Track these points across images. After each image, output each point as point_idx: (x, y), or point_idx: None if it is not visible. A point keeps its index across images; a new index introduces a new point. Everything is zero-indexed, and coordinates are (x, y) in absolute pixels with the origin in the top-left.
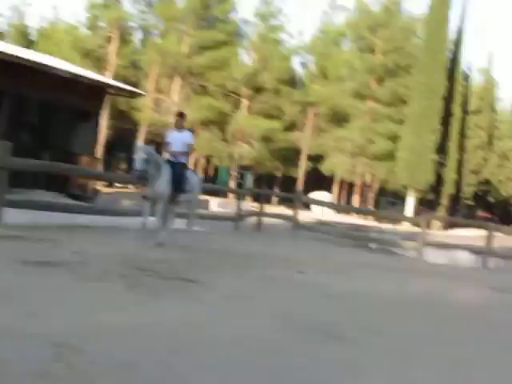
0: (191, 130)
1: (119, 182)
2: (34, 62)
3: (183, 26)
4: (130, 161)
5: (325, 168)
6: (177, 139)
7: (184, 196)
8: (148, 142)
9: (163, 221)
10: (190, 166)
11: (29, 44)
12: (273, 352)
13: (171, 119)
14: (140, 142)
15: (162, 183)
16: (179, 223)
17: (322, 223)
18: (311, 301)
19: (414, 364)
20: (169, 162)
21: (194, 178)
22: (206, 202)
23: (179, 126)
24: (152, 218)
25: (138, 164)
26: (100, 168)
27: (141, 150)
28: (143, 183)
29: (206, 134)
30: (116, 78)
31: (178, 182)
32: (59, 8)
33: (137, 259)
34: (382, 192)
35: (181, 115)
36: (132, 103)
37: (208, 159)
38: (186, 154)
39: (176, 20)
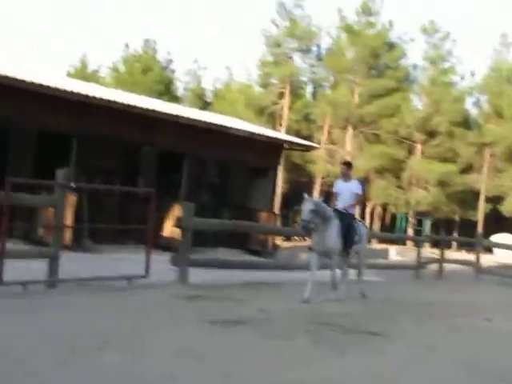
0: (359, 180)
1: (297, 236)
2: (211, 124)
3: (353, 76)
4: None
5: (505, 209)
6: (344, 189)
7: (354, 247)
8: (323, 193)
9: (340, 274)
10: (362, 215)
11: (205, 105)
12: None
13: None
14: (306, 194)
15: (332, 236)
16: (352, 274)
17: (506, 267)
18: (498, 349)
19: None
20: (337, 212)
21: (362, 229)
22: (385, 250)
23: (346, 176)
24: (318, 271)
25: (305, 215)
26: (278, 223)
27: (308, 201)
28: (309, 234)
29: (380, 181)
30: (289, 132)
31: (347, 233)
32: (232, 68)
33: (318, 314)
34: None
35: (347, 164)
36: (306, 156)
37: (384, 207)
38: (354, 204)
39: (346, 71)
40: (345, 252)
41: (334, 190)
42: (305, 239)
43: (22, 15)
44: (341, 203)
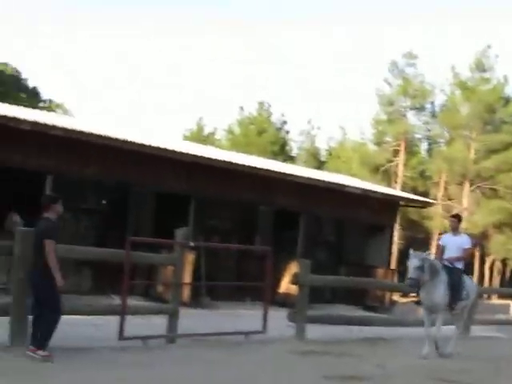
0: (468, 234)
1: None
2: (327, 182)
3: (468, 131)
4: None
5: None
6: (452, 243)
7: (461, 303)
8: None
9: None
10: (479, 269)
11: (319, 165)
12: None
13: (462, 225)
14: (412, 250)
15: (440, 291)
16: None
17: None
18: None
19: None
20: (445, 267)
21: (470, 284)
22: (506, 306)
23: (455, 229)
24: (432, 328)
25: (411, 272)
26: (395, 279)
27: (413, 257)
28: (416, 291)
29: (499, 236)
30: (405, 189)
31: (455, 288)
32: (346, 128)
33: (436, 370)
34: None
35: (456, 217)
36: (423, 212)
37: (504, 262)
38: (462, 258)
39: (461, 127)
40: (451, 307)
41: (441, 243)
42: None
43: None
44: (447, 257)
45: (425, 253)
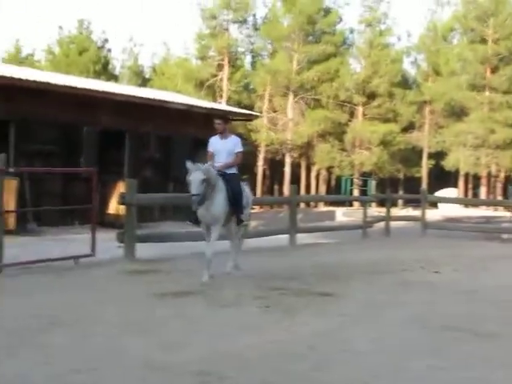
0: (239, 136)
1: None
2: (150, 99)
3: (290, 43)
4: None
5: (447, 164)
6: (221, 148)
7: (245, 212)
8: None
9: (232, 246)
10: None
11: (144, 82)
12: (412, 354)
13: (288, 135)
14: (189, 161)
15: (219, 203)
16: None
17: (450, 220)
18: (447, 299)
19: None
20: (221, 175)
21: (248, 191)
22: (332, 212)
23: (223, 132)
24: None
25: (196, 188)
26: None
27: (196, 170)
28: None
29: (324, 146)
30: (229, 103)
31: (236, 197)
32: (169, 43)
33: (265, 278)
34: (510, 181)
35: (222, 119)
36: (249, 126)
37: (329, 170)
38: (235, 164)
39: (283, 39)
40: (238, 219)
41: (210, 149)
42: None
43: None
44: (218, 164)
45: (207, 164)
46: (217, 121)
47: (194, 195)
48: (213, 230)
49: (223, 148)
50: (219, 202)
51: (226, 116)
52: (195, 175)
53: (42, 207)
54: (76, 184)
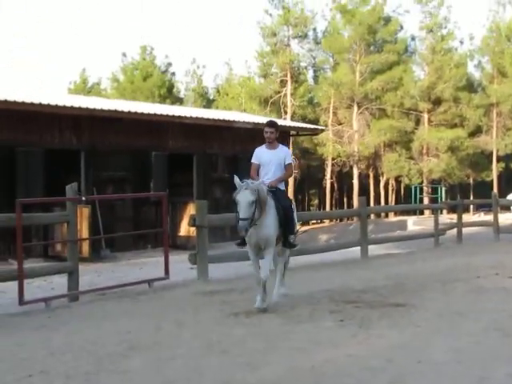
0: (286, 145)
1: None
2: (216, 120)
3: (352, 55)
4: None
5: None
6: (269, 159)
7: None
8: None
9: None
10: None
11: (208, 103)
12: (493, 363)
13: (354, 147)
14: (237, 177)
15: (270, 222)
16: None
17: None
18: None
19: None
20: (270, 191)
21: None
22: (403, 222)
23: (272, 141)
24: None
25: (244, 211)
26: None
27: (244, 189)
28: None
29: (391, 155)
30: (294, 118)
31: (288, 216)
32: (231, 63)
33: (339, 292)
34: None
35: (273, 125)
36: (315, 140)
37: (398, 180)
38: (286, 178)
39: (344, 51)
40: (285, 242)
41: (254, 160)
42: (324, 222)
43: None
44: (268, 180)
45: (257, 181)
46: (268, 129)
47: (241, 219)
48: (266, 254)
49: (272, 159)
50: (271, 222)
51: (274, 121)
52: (244, 196)
53: (114, 233)
54: (147, 208)
